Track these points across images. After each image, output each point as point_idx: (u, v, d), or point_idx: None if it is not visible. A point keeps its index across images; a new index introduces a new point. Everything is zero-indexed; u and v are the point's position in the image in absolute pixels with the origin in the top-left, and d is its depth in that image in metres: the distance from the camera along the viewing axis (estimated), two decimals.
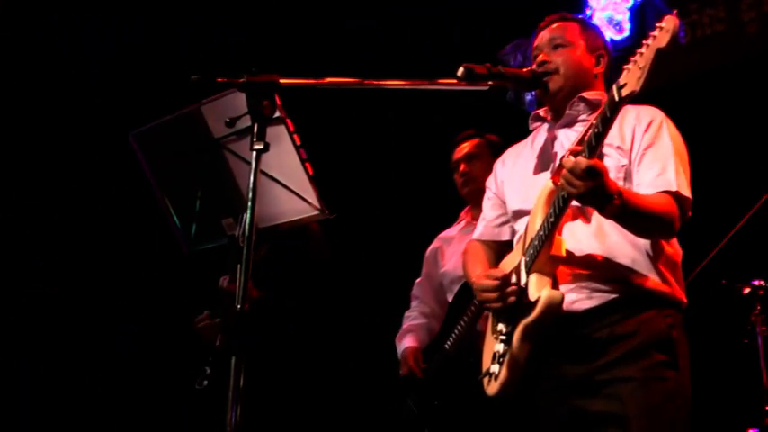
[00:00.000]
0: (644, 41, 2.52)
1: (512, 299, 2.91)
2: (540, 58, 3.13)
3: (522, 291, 2.90)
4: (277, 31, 6.68)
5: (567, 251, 2.87)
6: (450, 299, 4.55)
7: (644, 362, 2.80)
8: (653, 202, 2.84)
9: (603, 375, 2.82)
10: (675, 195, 2.86)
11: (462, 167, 4.65)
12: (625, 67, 2.57)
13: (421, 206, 6.43)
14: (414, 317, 4.79)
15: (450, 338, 4.29)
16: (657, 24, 2.51)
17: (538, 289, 2.83)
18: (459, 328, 4.25)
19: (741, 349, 4.60)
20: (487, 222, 3.36)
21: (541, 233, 2.86)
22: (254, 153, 2.50)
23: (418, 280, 4.87)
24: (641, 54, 2.51)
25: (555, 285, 2.86)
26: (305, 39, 6.67)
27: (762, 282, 4.51)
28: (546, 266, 2.87)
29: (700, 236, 4.18)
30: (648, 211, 2.81)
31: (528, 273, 2.90)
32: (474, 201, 4.54)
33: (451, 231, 4.79)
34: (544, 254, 2.85)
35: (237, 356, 2.40)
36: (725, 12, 6.29)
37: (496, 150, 4.02)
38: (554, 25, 3.22)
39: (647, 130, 2.98)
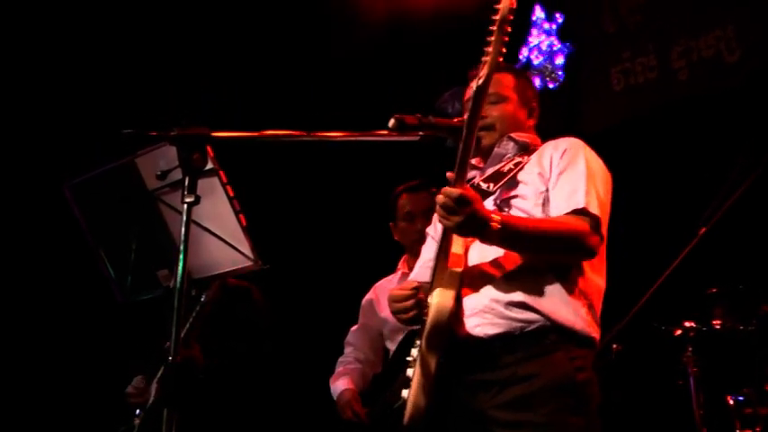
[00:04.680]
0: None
1: (423, 309, 2.88)
2: None
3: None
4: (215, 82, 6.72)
5: (475, 272, 2.90)
6: (391, 347, 4.56)
7: (547, 406, 2.76)
8: (550, 221, 2.88)
9: (506, 416, 2.79)
10: (584, 213, 2.87)
11: (420, 224, 4.56)
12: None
13: (355, 253, 6.46)
14: (348, 361, 4.78)
15: (396, 387, 4.26)
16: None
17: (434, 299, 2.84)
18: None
19: (675, 390, 4.66)
20: (423, 263, 3.33)
21: (439, 251, 2.90)
22: (185, 206, 2.52)
23: (354, 328, 4.86)
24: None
25: (458, 301, 2.85)
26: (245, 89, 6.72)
27: (693, 323, 4.59)
28: (447, 282, 2.85)
29: (631, 279, 4.27)
30: (541, 231, 2.83)
31: (432, 290, 2.89)
32: (416, 253, 4.53)
33: (388, 282, 4.78)
34: (442, 269, 2.87)
35: (169, 408, 2.40)
36: (656, 60, 6.45)
37: None
38: None
39: (562, 156, 3.02)
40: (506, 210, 3.00)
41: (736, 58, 6.00)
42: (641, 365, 4.92)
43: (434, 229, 3.37)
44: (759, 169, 4.24)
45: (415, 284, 2.98)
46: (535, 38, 6.99)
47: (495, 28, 2.67)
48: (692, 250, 4.38)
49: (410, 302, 2.92)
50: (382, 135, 2.87)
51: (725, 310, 4.60)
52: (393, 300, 3.00)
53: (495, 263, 2.92)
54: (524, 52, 6.98)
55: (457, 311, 2.86)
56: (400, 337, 4.42)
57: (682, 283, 4.36)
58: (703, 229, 4.40)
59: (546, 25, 7.02)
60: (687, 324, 4.59)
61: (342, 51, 6.96)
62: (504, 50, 2.69)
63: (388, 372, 4.52)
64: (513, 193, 3.03)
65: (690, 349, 4.57)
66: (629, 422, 4.58)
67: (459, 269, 2.88)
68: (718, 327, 4.58)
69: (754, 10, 5.93)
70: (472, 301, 2.90)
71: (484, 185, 3.03)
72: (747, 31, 5.95)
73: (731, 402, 4.44)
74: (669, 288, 4.33)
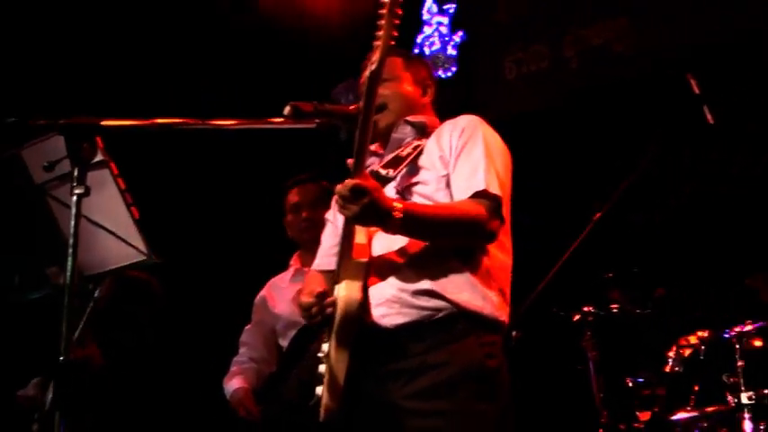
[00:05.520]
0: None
1: (330, 310, 2.82)
2: None
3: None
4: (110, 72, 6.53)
5: (380, 261, 2.86)
6: (284, 344, 4.52)
7: (457, 394, 2.74)
8: (450, 207, 2.86)
9: (417, 405, 2.75)
10: (484, 194, 2.85)
11: (306, 213, 4.63)
12: None
13: (250, 249, 6.38)
14: (242, 361, 4.73)
15: (291, 384, 4.21)
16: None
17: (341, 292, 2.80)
18: (300, 372, 4.19)
19: (575, 375, 4.71)
20: (324, 252, 3.28)
21: (342, 241, 2.86)
22: (74, 198, 2.42)
23: (248, 326, 4.80)
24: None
25: (365, 291, 2.81)
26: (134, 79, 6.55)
27: (591, 308, 4.64)
28: (353, 273, 2.82)
29: (528, 266, 4.30)
30: (442, 218, 2.81)
31: (338, 282, 2.86)
32: (309, 247, 4.55)
33: (281, 280, 4.76)
34: (347, 260, 2.83)
35: (61, 412, 2.31)
36: (548, 49, 6.53)
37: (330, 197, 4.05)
38: None
39: (460, 136, 2.99)
40: (408, 196, 2.97)
41: (625, 48, 6.12)
42: (541, 351, 4.96)
43: (333, 215, 3.32)
44: (758, 169, 4.32)
45: (320, 290, 2.88)
46: (427, 28, 7.02)
47: (385, 11, 2.65)
48: (588, 235, 4.44)
49: (315, 310, 2.85)
50: (278, 123, 2.81)
51: (621, 293, 4.67)
52: (302, 307, 2.93)
53: (400, 251, 2.88)
54: (417, 41, 6.99)
55: (364, 302, 2.81)
56: (293, 333, 4.37)
57: (579, 269, 4.41)
58: (598, 215, 4.46)
59: (438, 16, 7.05)
60: (585, 309, 4.64)
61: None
62: (395, 33, 2.66)
63: (281, 369, 4.47)
64: (414, 180, 2.99)
65: (588, 334, 4.61)
66: (531, 407, 4.60)
67: (365, 259, 2.84)
68: (615, 310, 4.65)
69: (644, 0, 6.07)
70: (379, 291, 2.85)
71: (383, 172, 2.97)
72: (637, 21, 6.08)
73: (630, 384, 4.51)
74: (566, 274, 4.38)
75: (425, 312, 2.81)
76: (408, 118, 3.16)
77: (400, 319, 2.82)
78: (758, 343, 4.23)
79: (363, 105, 2.70)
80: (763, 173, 4.28)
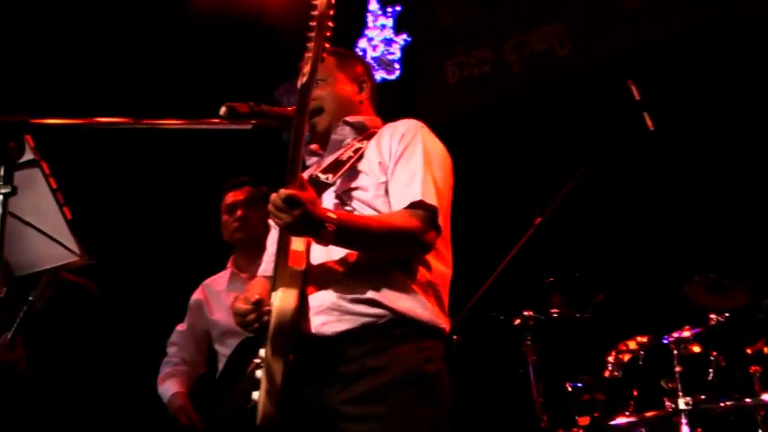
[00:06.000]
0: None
1: (266, 318, 2.78)
2: None
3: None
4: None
5: (319, 269, 2.83)
6: (221, 350, 4.47)
7: (395, 398, 2.71)
8: (384, 219, 2.83)
9: (355, 410, 2.72)
10: (420, 205, 2.82)
11: (240, 212, 4.59)
12: None
13: (185, 249, 6.31)
14: (175, 362, 4.66)
15: (235, 391, 4.13)
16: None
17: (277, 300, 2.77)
18: (245, 381, 4.11)
19: (516, 379, 4.71)
20: (268, 257, 3.22)
21: (279, 249, 2.83)
22: (1, 197, 2.35)
23: (181, 327, 4.73)
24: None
25: (302, 299, 2.78)
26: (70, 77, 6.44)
27: (531, 313, 4.64)
28: (289, 281, 2.78)
29: (469, 271, 4.29)
30: (376, 230, 2.78)
31: (275, 290, 2.82)
32: (243, 248, 4.55)
33: (216, 282, 4.71)
34: (283, 268, 2.79)
35: None
36: (491, 53, 6.54)
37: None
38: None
39: (400, 141, 2.96)
40: (348, 201, 2.93)
41: (568, 53, 6.15)
42: (481, 356, 4.95)
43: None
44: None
45: (256, 298, 2.82)
46: (371, 30, 7.00)
47: (314, 24, 2.62)
48: (529, 240, 4.43)
49: (251, 317, 2.80)
50: (214, 124, 2.76)
51: (562, 298, 4.68)
52: (236, 314, 2.87)
53: (340, 260, 2.85)
54: (361, 44, 6.97)
55: (302, 310, 2.77)
56: (233, 341, 4.29)
57: (519, 273, 4.40)
58: (539, 219, 4.45)
59: (381, 18, 7.03)
60: (526, 313, 4.64)
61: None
62: (326, 45, 2.63)
63: (224, 376, 4.39)
64: (353, 185, 2.96)
65: (529, 338, 4.62)
66: (470, 412, 4.60)
67: (301, 267, 2.79)
68: (555, 315, 4.66)
69: (585, 5, 6.10)
70: (318, 299, 2.82)
71: (323, 177, 2.94)
72: (578, 25, 6.11)
73: (570, 389, 4.52)
74: (507, 278, 4.36)
75: (365, 319, 2.78)
76: (347, 118, 3.13)
77: (341, 327, 2.78)
78: (696, 348, 4.27)
79: (296, 115, 2.66)
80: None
